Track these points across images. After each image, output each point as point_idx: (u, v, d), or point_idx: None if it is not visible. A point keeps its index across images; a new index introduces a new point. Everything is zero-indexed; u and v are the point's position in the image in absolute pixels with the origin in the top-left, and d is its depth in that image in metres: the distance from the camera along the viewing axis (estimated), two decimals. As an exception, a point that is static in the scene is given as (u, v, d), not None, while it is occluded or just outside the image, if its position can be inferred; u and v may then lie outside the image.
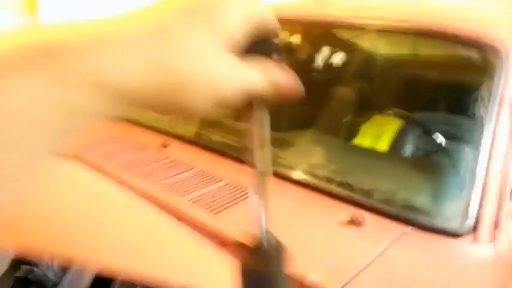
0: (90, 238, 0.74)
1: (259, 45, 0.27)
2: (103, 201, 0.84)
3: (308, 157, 1.05)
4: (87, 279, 0.70)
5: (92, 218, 0.79)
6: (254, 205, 0.30)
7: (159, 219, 0.81)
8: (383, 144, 1.32)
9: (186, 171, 1.02)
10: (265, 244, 0.30)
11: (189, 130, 1.22)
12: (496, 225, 0.82)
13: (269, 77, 0.26)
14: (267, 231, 0.30)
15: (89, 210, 0.80)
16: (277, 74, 0.26)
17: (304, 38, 1.93)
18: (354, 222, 0.82)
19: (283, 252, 0.31)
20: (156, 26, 0.22)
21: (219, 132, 1.17)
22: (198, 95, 0.23)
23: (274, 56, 0.27)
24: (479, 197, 0.84)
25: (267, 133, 0.30)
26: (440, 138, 1.12)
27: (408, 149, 1.29)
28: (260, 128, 0.30)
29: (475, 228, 0.80)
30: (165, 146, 1.13)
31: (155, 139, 1.16)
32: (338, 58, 2.18)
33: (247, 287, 0.30)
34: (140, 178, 0.97)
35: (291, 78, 0.27)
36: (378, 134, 1.38)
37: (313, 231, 0.80)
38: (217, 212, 0.86)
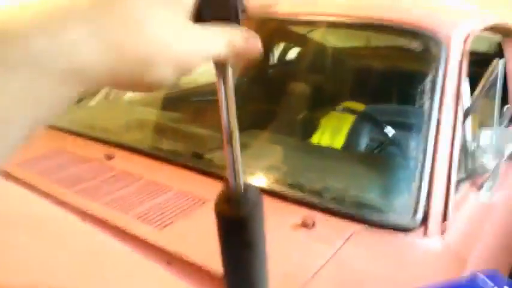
0: (23, 268, 0.68)
1: (219, 9, 0.27)
2: (37, 227, 0.77)
3: (259, 159, 1.02)
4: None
5: (24, 246, 0.73)
6: (228, 155, 0.33)
7: (101, 239, 0.76)
8: (339, 141, 1.32)
9: (132, 183, 0.97)
10: (241, 190, 0.33)
11: (135, 139, 1.17)
12: (445, 217, 0.82)
13: (230, 41, 0.26)
14: (242, 180, 0.33)
15: (20, 239, 0.74)
16: (238, 37, 0.26)
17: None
18: (305, 224, 0.80)
19: (258, 198, 0.34)
20: None
21: (167, 139, 1.12)
22: (160, 68, 0.22)
23: (235, 17, 0.27)
24: (427, 190, 0.84)
25: (232, 92, 0.32)
26: (390, 132, 1.13)
27: (360, 144, 1.30)
28: (226, 88, 0.31)
29: (424, 222, 0.81)
30: (109, 158, 1.07)
31: (99, 151, 1.10)
32: (291, 53, 2.17)
33: (225, 232, 0.32)
34: (81, 196, 0.91)
35: (252, 39, 0.27)
36: (336, 129, 1.37)
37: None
38: (164, 226, 0.81)
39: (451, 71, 1.01)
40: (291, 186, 0.92)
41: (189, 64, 0.24)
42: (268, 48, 2.18)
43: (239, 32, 0.27)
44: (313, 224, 0.80)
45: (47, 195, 0.90)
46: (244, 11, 0.28)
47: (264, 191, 0.89)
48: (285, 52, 2.26)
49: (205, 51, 0.25)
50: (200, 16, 0.26)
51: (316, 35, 1.82)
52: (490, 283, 0.61)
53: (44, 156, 1.10)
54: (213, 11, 0.26)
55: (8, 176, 1.01)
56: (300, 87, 1.70)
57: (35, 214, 0.79)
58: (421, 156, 0.87)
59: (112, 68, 0.21)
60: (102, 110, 1.45)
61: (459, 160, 0.93)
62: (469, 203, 0.93)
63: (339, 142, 1.31)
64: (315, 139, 1.35)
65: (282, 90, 1.64)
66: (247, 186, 0.34)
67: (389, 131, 1.12)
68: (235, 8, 0.27)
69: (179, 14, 0.23)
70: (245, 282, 0.37)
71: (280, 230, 0.80)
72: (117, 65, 0.21)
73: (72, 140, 1.20)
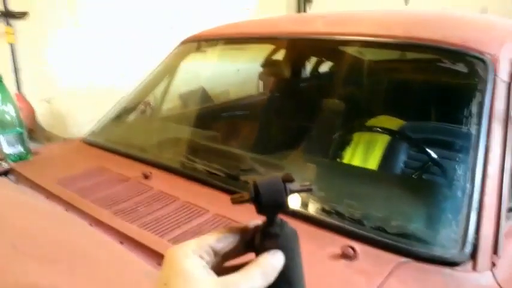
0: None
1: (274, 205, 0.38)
2: (75, 248, 0.78)
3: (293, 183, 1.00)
4: None
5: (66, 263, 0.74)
6: None
7: (137, 266, 0.76)
8: (375, 158, 1.28)
9: (168, 205, 0.97)
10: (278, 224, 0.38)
11: (172, 159, 1.17)
12: (495, 250, 0.77)
13: (263, 272, 0.35)
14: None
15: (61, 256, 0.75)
16: (267, 265, 0.36)
17: (289, 55, 1.90)
18: (345, 255, 0.77)
19: (294, 233, 0.39)
20: None
21: (202, 158, 1.12)
22: None
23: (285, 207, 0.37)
24: (476, 221, 0.79)
25: None
26: (432, 156, 1.08)
27: (401, 161, 1.25)
28: None
29: (473, 255, 0.76)
30: (146, 177, 1.08)
31: (136, 169, 1.11)
32: (324, 71, 2.14)
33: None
34: (119, 216, 0.91)
35: (276, 257, 0.36)
36: (370, 147, 1.33)
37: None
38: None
39: (499, 94, 0.96)
40: (329, 212, 0.89)
41: None
42: (300, 63, 2.17)
43: (268, 259, 0.35)
44: (354, 255, 0.77)
45: (85, 214, 0.92)
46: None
47: (300, 217, 0.88)
48: (317, 66, 2.24)
49: None
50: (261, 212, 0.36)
51: (351, 49, 1.79)
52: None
53: (84, 175, 1.12)
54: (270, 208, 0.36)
55: (48, 193, 1.04)
56: (333, 104, 1.67)
57: (72, 236, 0.80)
58: (469, 184, 0.83)
59: None
60: (138, 127, 1.47)
61: (509, 188, 0.88)
62: (521, 234, 0.87)
63: (374, 158, 1.27)
64: (347, 156, 1.31)
65: (314, 106, 1.62)
66: (283, 222, 0.38)
67: (431, 152, 1.07)
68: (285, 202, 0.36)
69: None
70: None
71: (319, 259, 0.77)
72: None
73: (111, 157, 1.22)
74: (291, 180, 0.37)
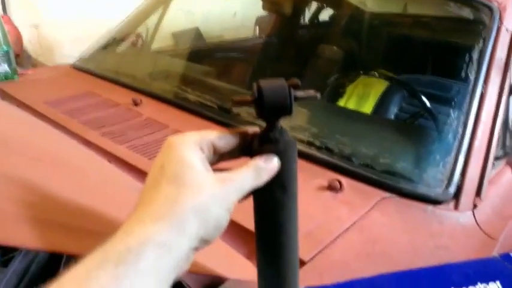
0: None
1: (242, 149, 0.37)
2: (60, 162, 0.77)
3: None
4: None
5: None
6: None
7: (126, 182, 0.76)
8: (368, 107, 1.28)
9: (158, 131, 0.96)
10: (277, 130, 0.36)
11: (164, 89, 1.15)
12: (478, 193, 0.79)
13: (256, 175, 0.34)
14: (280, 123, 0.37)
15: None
16: (261, 168, 0.34)
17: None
18: (331, 187, 0.78)
19: (292, 140, 0.37)
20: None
21: (194, 90, 1.10)
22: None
23: (290, 111, 0.35)
24: (463, 164, 0.80)
25: None
26: (426, 101, 1.08)
27: (393, 112, 1.25)
28: None
29: (456, 195, 0.78)
30: (136, 104, 1.06)
31: (126, 96, 1.09)
32: (325, 15, 2.08)
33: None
34: (107, 138, 0.90)
35: (270, 162, 0.34)
36: (364, 95, 1.32)
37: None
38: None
39: (502, 43, 0.94)
40: (320, 148, 0.89)
41: (235, 203, 0.33)
42: (300, 8, 2.10)
43: (260, 162, 0.34)
44: (340, 188, 0.78)
45: (74, 134, 0.90)
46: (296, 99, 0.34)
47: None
48: (317, 13, 2.17)
49: (244, 192, 0.33)
50: (262, 115, 0.34)
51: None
52: (523, 264, 0.59)
53: (73, 97, 1.10)
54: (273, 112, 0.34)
55: (35, 113, 1.01)
56: (331, 50, 1.63)
57: (59, 150, 0.78)
58: (460, 129, 0.83)
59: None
60: (130, 57, 1.43)
61: (499, 136, 0.88)
62: (504, 181, 0.89)
63: (367, 107, 1.26)
64: (342, 103, 1.30)
65: (311, 52, 1.58)
66: (283, 129, 0.36)
67: (425, 99, 1.06)
68: (289, 107, 0.34)
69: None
70: (277, 227, 0.36)
71: (306, 190, 0.78)
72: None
73: (101, 83, 1.19)
74: (297, 86, 0.35)
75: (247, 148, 0.37)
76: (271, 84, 0.34)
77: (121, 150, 0.85)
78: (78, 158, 0.79)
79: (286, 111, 0.34)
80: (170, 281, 0.28)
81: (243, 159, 0.36)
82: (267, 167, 0.34)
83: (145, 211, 0.29)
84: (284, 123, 0.36)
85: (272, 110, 0.34)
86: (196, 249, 0.30)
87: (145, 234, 0.28)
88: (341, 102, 1.31)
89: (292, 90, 0.34)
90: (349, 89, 1.36)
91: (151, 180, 0.32)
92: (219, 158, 0.36)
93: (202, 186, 0.31)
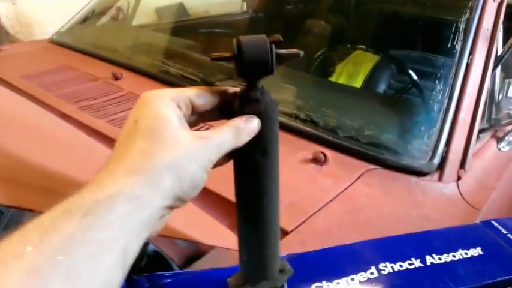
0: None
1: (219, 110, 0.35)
2: (38, 135, 0.74)
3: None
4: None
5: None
6: None
7: (104, 150, 0.73)
8: (357, 84, 1.26)
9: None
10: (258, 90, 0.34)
11: (146, 62, 1.11)
12: (462, 165, 0.79)
13: (236, 134, 0.32)
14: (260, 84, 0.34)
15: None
16: (241, 127, 0.32)
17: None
18: (316, 159, 0.77)
19: (273, 101, 0.34)
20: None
21: (178, 64, 1.07)
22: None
23: (271, 71, 0.32)
24: (448, 136, 0.80)
25: None
26: (413, 74, 1.06)
27: (381, 86, 1.24)
28: None
29: (440, 167, 0.77)
30: (116, 78, 1.02)
31: (106, 70, 1.05)
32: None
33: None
34: (87, 112, 0.87)
35: (250, 122, 0.33)
36: (354, 73, 1.31)
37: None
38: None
39: (489, 13, 0.93)
40: (305, 121, 0.88)
41: (213, 162, 0.31)
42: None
43: (240, 122, 0.32)
44: (325, 160, 0.77)
45: (51, 108, 0.87)
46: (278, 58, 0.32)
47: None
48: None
49: (223, 151, 0.32)
50: (242, 73, 0.32)
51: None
52: (504, 230, 0.59)
53: (50, 72, 1.06)
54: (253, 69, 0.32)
55: (12, 87, 0.98)
56: (319, 26, 1.61)
57: (37, 123, 0.76)
58: (446, 100, 0.82)
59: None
60: (110, 30, 1.38)
61: (483, 108, 0.88)
62: (488, 153, 0.89)
63: (357, 83, 1.25)
64: (333, 79, 1.29)
65: (299, 28, 1.55)
66: (264, 90, 0.34)
67: (413, 74, 1.05)
68: (270, 64, 0.32)
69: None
70: (258, 189, 0.35)
71: (290, 163, 0.77)
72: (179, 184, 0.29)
73: (80, 57, 1.15)
74: (279, 43, 0.32)
75: (228, 109, 0.35)
76: (252, 40, 0.32)
77: (100, 124, 0.83)
78: (58, 129, 0.76)
79: (267, 68, 0.32)
80: (141, 238, 0.27)
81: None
82: (247, 127, 0.33)
83: (118, 165, 0.28)
84: (272, 95, 0.34)
85: (252, 67, 0.32)
86: (170, 208, 0.29)
87: (117, 187, 0.26)
88: (332, 79, 1.30)
89: (273, 46, 0.32)
90: (339, 67, 1.34)
91: (124, 135, 0.30)
92: (198, 118, 0.35)
93: (179, 143, 0.29)
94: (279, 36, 0.32)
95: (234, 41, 0.32)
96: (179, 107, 0.32)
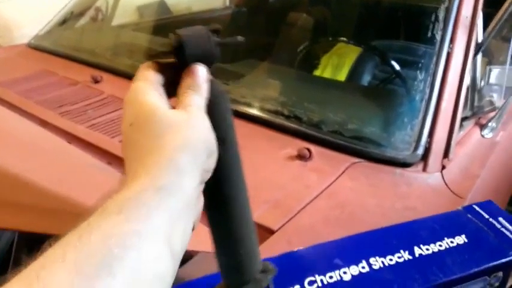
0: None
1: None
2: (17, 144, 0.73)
3: (256, 89, 0.97)
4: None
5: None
6: None
7: (86, 161, 0.72)
8: (342, 76, 1.26)
9: (121, 108, 0.92)
10: None
11: (126, 64, 1.09)
12: (446, 154, 0.79)
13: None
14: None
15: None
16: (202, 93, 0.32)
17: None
18: (301, 156, 0.77)
19: (221, 88, 0.34)
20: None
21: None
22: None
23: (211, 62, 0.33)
24: (430, 126, 0.80)
25: None
26: (396, 65, 1.06)
27: (366, 77, 1.24)
28: None
29: (424, 157, 0.78)
30: (96, 81, 1.01)
31: (85, 73, 1.03)
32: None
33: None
34: (66, 118, 0.86)
35: (204, 85, 0.32)
36: (339, 65, 1.30)
37: (258, 167, 0.75)
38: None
39: (467, 2, 0.93)
40: (288, 117, 0.87)
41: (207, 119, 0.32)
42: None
43: (190, 80, 0.32)
44: (310, 156, 0.77)
45: (30, 115, 0.85)
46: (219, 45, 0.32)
47: (259, 122, 0.86)
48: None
49: (204, 108, 0.32)
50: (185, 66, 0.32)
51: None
52: (485, 214, 0.59)
53: (28, 77, 1.04)
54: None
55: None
56: (302, 19, 1.59)
57: (15, 132, 0.74)
58: (427, 90, 0.82)
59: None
60: (89, 32, 1.36)
61: (466, 96, 0.88)
62: (472, 141, 0.90)
63: (342, 76, 1.25)
64: (317, 72, 1.28)
65: (282, 21, 1.54)
66: (213, 81, 0.33)
67: (395, 64, 1.05)
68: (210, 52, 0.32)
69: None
70: (222, 182, 0.33)
71: (276, 160, 0.76)
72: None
73: (58, 61, 1.13)
74: (217, 31, 0.32)
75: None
76: (191, 32, 0.32)
77: (81, 130, 0.81)
78: (36, 137, 0.75)
79: (209, 58, 0.32)
80: (185, 223, 0.27)
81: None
82: (198, 77, 0.32)
83: (136, 170, 0.28)
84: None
85: (194, 58, 0.32)
86: (202, 182, 0.30)
87: (142, 184, 0.26)
88: (316, 73, 1.29)
89: (211, 35, 0.32)
90: (324, 59, 1.34)
91: (128, 142, 0.30)
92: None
93: (176, 124, 0.30)
94: (218, 26, 0.33)
95: (171, 35, 0.32)
96: (157, 90, 0.32)
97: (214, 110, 0.32)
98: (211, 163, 0.31)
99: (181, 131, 0.29)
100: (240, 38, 0.34)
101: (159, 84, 0.32)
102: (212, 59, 0.32)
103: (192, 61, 0.32)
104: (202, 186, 0.30)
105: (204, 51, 0.31)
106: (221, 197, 0.34)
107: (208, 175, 0.31)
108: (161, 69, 0.33)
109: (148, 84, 0.31)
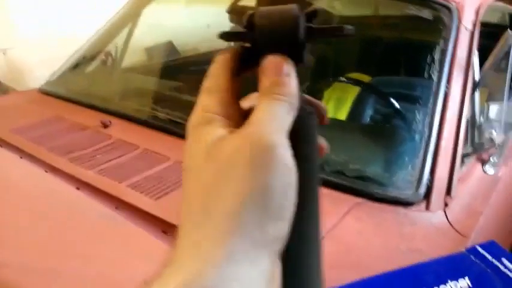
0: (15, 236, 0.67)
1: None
2: (28, 193, 0.75)
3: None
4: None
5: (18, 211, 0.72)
6: None
7: (93, 209, 0.74)
8: (345, 110, 1.29)
9: (129, 152, 0.94)
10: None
11: (133, 108, 1.13)
12: (448, 192, 0.80)
13: (289, 107, 0.24)
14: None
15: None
16: (291, 97, 0.24)
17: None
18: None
19: (312, 110, 0.26)
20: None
21: (165, 108, 1.09)
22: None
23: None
24: (431, 164, 0.81)
25: None
26: (395, 103, 1.09)
27: (368, 115, 1.26)
28: None
29: (427, 196, 0.78)
30: (105, 126, 1.04)
31: (95, 118, 1.07)
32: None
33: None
34: (76, 163, 0.88)
35: (293, 81, 0.24)
36: (342, 99, 1.33)
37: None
38: (160, 196, 0.79)
39: (462, 42, 0.96)
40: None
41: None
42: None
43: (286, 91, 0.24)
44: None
45: (40, 162, 0.88)
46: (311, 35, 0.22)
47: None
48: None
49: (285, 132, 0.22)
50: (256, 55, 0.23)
51: (322, 2, 1.75)
52: (488, 256, 0.60)
53: (39, 124, 1.07)
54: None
55: (1, 141, 0.99)
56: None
57: (26, 180, 0.77)
58: (426, 129, 0.84)
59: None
60: (99, 77, 1.41)
61: (466, 133, 0.90)
62: (474, 177, 0.91)
63: (342, 114, 1.27)
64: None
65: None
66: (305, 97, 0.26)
67: (395, 102, 1.08)
68: (295, 38, 0.22)
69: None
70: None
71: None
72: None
73: (69, 107, 1.17)
74: (314, 14, 0.23)
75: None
76: (272, 10, 0.23)
77: (90, 176, 0.84)
78: (44, 190, 0.77)
79: (294, 42, 0.22)
80: None
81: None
82: (281, 75, 0.22)
83: (184, 247, 0.21)
84: None
85: (271, 44, 0.22)
86: (276, 253, 0.21)
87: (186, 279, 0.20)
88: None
89: (302, 19, 0.22)
90: (327, 93, 1.37)
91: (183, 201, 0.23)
92: None
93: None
94: (316, 8, 0.24)
95: (246, 14, 0.24)
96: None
97: (305, 124, 0.23)
98: (284, 227, 0.21)
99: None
100: (348, 27, 0.24)
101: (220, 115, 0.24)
102: (297, 42, 0.22)
103: (267, 50, 0.23)
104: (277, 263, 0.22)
105: (285, 34, 0.22)
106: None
107: (284, 238, 0.21)
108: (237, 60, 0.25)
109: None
